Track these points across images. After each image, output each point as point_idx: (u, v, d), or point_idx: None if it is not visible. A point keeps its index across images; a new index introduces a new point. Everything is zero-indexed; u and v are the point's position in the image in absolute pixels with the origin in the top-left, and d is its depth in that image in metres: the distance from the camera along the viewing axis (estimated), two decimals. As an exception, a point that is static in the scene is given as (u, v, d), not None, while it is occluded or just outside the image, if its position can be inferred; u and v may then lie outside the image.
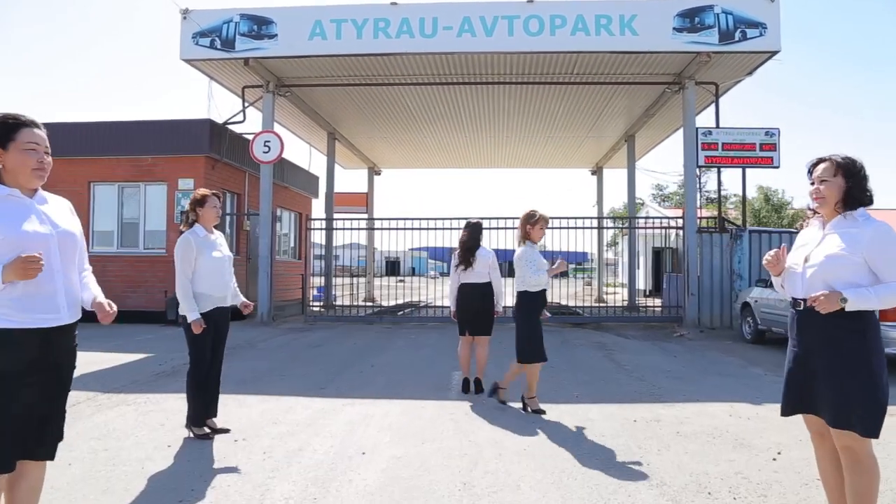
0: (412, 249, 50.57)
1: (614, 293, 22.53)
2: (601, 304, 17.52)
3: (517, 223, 5.34)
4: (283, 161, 15.51)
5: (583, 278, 28.00)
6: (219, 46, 11.39)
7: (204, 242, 4.27)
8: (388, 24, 11.10)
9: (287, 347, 9.07)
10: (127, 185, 13.02)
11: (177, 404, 5.13)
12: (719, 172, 13.98)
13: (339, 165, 20.39)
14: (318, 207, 19.49)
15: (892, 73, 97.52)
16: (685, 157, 12.19)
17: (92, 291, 2.51)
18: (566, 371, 6.99)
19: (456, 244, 6.10)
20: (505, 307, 6.16)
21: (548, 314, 5.39)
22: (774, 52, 10.94)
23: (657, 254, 23.55)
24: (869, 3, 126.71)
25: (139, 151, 12.77)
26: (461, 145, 19.04)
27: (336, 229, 15.42)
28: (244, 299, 4.58)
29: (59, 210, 2.40)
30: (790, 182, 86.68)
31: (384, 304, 18.07)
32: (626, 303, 16.96)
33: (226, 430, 4.42)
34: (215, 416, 4.47)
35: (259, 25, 11.35)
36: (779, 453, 4.00)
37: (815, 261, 2.54)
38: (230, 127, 13.23)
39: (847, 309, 2.41)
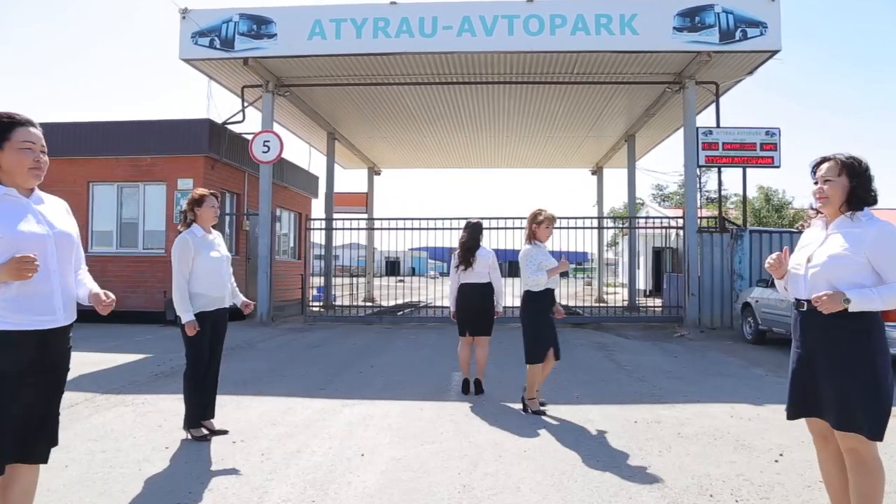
0: (412, 249, 50.54)
1: (614, 293, 22.50)
2: (601, 304, 17.49)
3: (521, 223, 5.33)
4: (282, 161, 15.48)
5: (583, 278, 27.96)
6: (218, 46, 11.36)
7: (202, 242, 4.24)
8: (388, 23, 11.08)
9: (286, 348, 9.04)
10: (126, 185, 13.00)
11: (175, 405, 5.09)
12: (720, 172, 13.96)
13: (339, 165, 20.37)
14: (317, 207, 19.50)
15: (892, 73, 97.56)
16: (685, 157, 12.17)
17: (87, 286, 2.48)
18: (566, 371, 6.96)
19: (456, 244, 6.07)
20: (505, 307, 6.13)
21: (562, 311, 5.34)
22: (775, 52, 10.91)
23: (657, 254, 23.53)
24: (869, 3, 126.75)
25: (138, 151, 12.75)
26: (461, 145, 19.01)
27: (336, 229, 15.39)
28: (244, 299, 4.55)
29: (55, 210, 2.38)
30: (790, 182, 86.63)
31: (384, 304, 18.04)
32: (626, 303, 16.94)
33: (224, 432, 4.39)
34: (213, 417, 4.44)
35: (258, 25, 11.33)
36: (781, 455, 3.97)
37: (817, 261, 2.51)
38: (229, 127, 13.21)
39: (850, 310, 2.38)
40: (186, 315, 4.11)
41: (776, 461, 3.86)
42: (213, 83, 13.06)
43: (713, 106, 12.68)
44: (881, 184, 2.56)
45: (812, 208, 2.66)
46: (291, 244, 17.90)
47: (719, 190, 14.61)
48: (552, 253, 5.33)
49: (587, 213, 25.07)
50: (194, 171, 12.60)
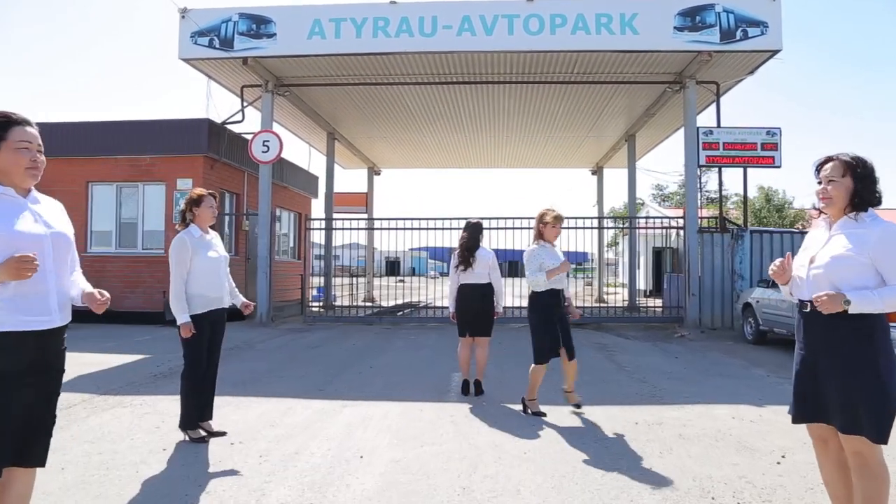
0: (412, 249, 50.50)
1: (614, 293, 22.46)
2: (601, 305, 17.45)
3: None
4: (282, 161, 15.45)
5: (583, 278, 27.92)
6: (217, 46, 11.33)
7: (199, 243, 4.21)
8: (388, 23, 11.05)
9: (286, 348, 9.01)
10: (125, 185, 12.97)
11: (173, 406, 5.05)
12: (720, 172, 13.93)
13: (339, 165, 20.34)
14: (317, 207, 19.48)
15: (892, 73, 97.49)
16: (686, 157, 12.13)
17: (80, 286, 2.46)
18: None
19: (456, 244, 6.03)
20: (505, 307, 6.10)
21: (577, 312, 5.29)
22: (776, 51, 10.88)
23: (657, 254, 23.49)
24: (869, 3, 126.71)
25: (137, 151, 12.72)
26: (461, 145, 18.98)
27: (335, 229, 15.36)
28: (244, 299, 4.52)
29: (52, 210, 2.37)
30: (790, 182, 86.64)
31: (384, 304, 18.01)
32: (626, 303, 16.90)
33: (222, 433, 4.36)
34: (211, 418, 4.41)
35: (258, 24, 11.30)
36: (783, 457, 3.94)
37: (820, 262, 2.49)
38: (229, 127, 13.18)
39: (850, 311, 2.36)
40: (182, 316, 4.07)
41: (778, 463, 3.83)
42: (213, 83, 13.03)
43: (713, 106, 12.66)
44: (882, 184, 2.53)
45: (815, 208, 2.62)
46: (291, 244, 17.87)
47: (720, 190, 14.58)
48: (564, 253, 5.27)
49: (587, 213, 25.05)
50: (193, 171, 12.58)
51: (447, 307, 6.17)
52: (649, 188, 48.73)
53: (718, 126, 12.15)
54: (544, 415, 5.00)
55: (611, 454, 4.01)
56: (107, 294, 2.45)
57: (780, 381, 6.63)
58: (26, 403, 2.19)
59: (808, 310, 2.53)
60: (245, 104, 13.09)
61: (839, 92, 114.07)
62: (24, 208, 2.23)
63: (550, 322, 4.97)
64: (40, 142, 2.29)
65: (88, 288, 2.46)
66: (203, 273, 4.19)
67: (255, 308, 11.93)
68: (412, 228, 13.34)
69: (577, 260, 22.24)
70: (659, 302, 16.55)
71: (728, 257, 11.95)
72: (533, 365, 5.03)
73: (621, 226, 27.37)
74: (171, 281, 4.13)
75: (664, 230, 16.78)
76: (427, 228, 13.18)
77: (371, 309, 16.12)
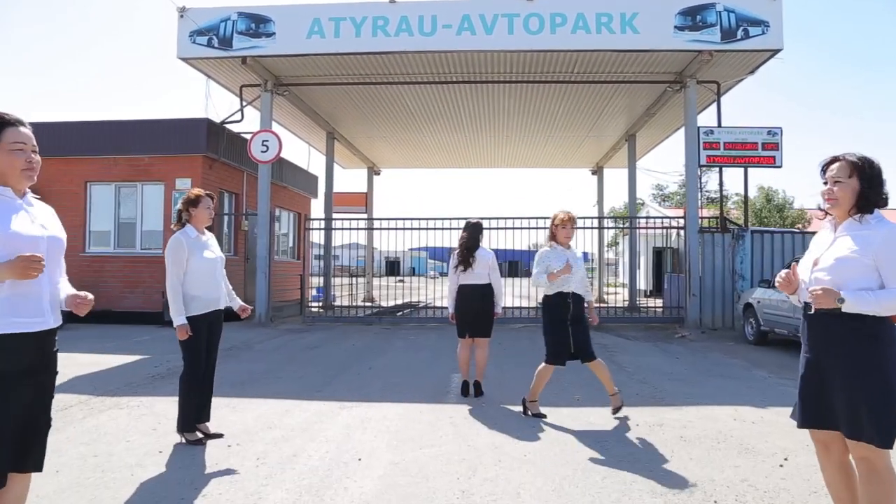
0: (412, 249, 50.47)
1: (615, 293, 22.42)
2: (602, 305, 17.40)
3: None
4: (281, 161, 15.41)
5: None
6: (216, 45, 11.29)
7: (195, 243, 4.17)
8: (387, 22, 11.01)
9: (284, 349, 8.97)
10: (124, 185, 12.92)
11: (170, 408, 5.01)
12: (721, 172, 13.89)
13: (339, 165, 20.30)
14: (317, 207, 19.44)
15: (892, 73, 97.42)
16: (687, 157, 12.09)
17: (65, 290, 2.46)
18: (567, 373, 6.85)
19: (456, 244, 5.99)
20: (504, 308, 6.05)
21: (595, 317, 5.18)
22: (777, 51, 10.84)
23: (658, 254, 23.45)
24: (869, 3, 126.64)
25: (136, 151, 12.67)
26: (461, 145, 18.94)
27: (335, 229, 15.32)
28: (241, 303, 4.47)
29: (45, 214, 2.37)
30: (790, 182, 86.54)
31: (383, 304, 17.97)
32: (626, 303, 16.86)
33: (219, 435, 4.32)
34: (208, 420, 4.37)
35: (257, 24, 11.26)
36: (785, 459, 3.90)
37: (824, 264, 2.45)
38: (228, 126, 13.14)
39: (844, 310, 2.33)
40: (179, 318, 4.03)
41: (781, 465, 3.79)
42: (212, 83, 12.99)
43: (714, 105, 12.62)
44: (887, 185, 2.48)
45: (821, 209, 2.58)
46: (290, 244, 17.83)
47: (720, 190, 14.55)
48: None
49: (587, 213, 25.02)
50: (192, 170, 12.53)
51: (447, 307, 6.12)
52: (649, 188, 48.74)
53: (719, 126, 12.11)
54: (544, 416, 4.96)
55: (612, 456, 3.97)
56: (91, 296, 2.42)
57: (782, 381, 6.59)
58: (26, 404, 2.18)
59: (813, 312, 2.50)
60: (244, 104, 13.05)
61: (839, 92, 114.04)
62: (21, 209, 2.23)
63: (558, 324, 4.90)
64: (34, 142, 2.29)
65: (72, 291, 2.45)
66: (200, 274, 4.16)
67: (254, 308, 11.94)
68: (412, 228, 13.30)
69: (577, 260, 22.17)
70: (659, 302, 16.52)
71: (729, 257, 11.91)
72: (542, 364, 4.98)
73: (621, 226, 27.33)
74: (168, 281, 4.09)
75: (665, 230, 16.75)
76: (427, 228, 13.15)
77: (370, 309, 16.08)
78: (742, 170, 12.29)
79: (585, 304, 5.06)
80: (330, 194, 17.40)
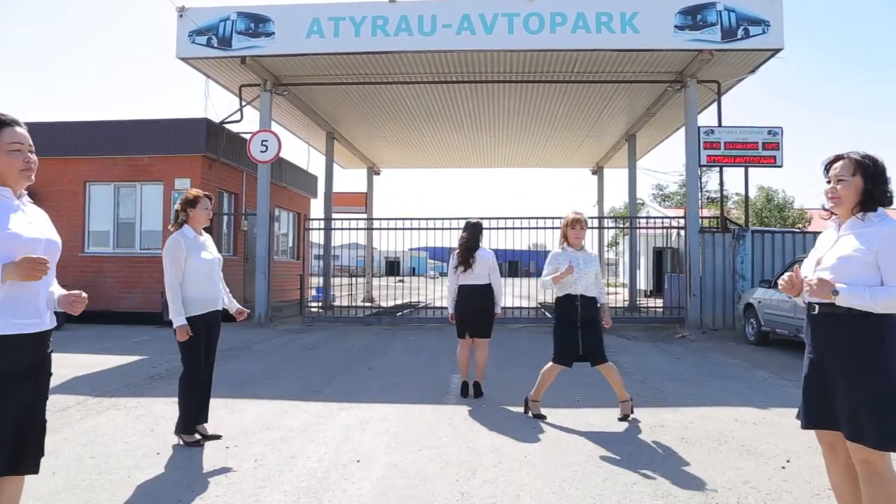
0: (412, 249, 50.43)
1: (615, 293, 22.40)
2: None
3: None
4: (281, 161, 15.39)
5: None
6: (215, 45, 11.26)
7: (193, 244, 4.14)
8: (387, 21, 10.98)
9: (283, 349, 8.94)
10: (123, 185, 12.89)
11: (168, 409, 5.00)
12: (721, 172, 13.86)
13: (338, 165, 20.28)
14: (316, 207, 19.41)
15: (892, 73, 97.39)
16: (687, 156, 12.06)
17: (56, 291, 2.44)
18: (567, 374, 6.80)
19: (455, 244, 5.96)
20: (504, 308, 6.01)
21: (609, 321, 5.11)
22: (777, 50, 10.81)
23: (658, 254, 23.42)
24: (869, 3, 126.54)
25: (135, 151, 12.64)
26: (461, 145, 18.91)
27: (334, 229, 15.29)
28: (238, 306, 4.43)
29: (41, 216, 2.37)
30: (790, 182, 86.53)
31: (383, 304, 17.95)
32: (627, 303, 16.84)
33: (217, 437, 4.29)
34: (206, 421, 4.34)
35: (256, 23, 11.23)
36: (788, 461, 3.88)
37: (827, 263, 2.43)
38: (227, 126, 13.11)
39: (837, 302, 2.31)
40: (178, 319, 4.00)
41: (783, 467, 3.76)
42: (211, 82, 12.97)
43: (714, 105, 12.60)
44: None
45: (825, 209, 2.55)
46: (290, 244, 17.80)
47: (721, 190, 14.54)
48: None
49: (587, 213, 24.90)
50: (192, 170, 12.50)
51: (446, 308, 6.09)
52: (649, 188, 48.71)
53: (719, 125, 12.08)
54: (544, 417, 4.94)
55: (612, 458, 3.95)
56: (84, 293, 2.41)
57: (783, 382, 6.56)
58: (24, 405, 2.18)
59: (816, 312, 2.47)
60: (243, 103, 13.02)
61: (839, 92, 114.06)
62: (19, 210, 2.23)
63: (566, 325, 4.87)
64: (31, 142, 2.29)
65: (63, 292, 2.44)
66: (198, 274, 4.13)
67: (253, 308, 11.91)
68: (412, 228, 13.27)
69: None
70: (660, 302, 16.50)
71: (729, 257, 11.88)
72: (549, 363, 4.96)
73: (621, 226, 27.31)
74: (167, 282, 4.06)
75: (665, 230, 16.72)
76: (427, 228, 13.12)
77: (370, 309, 16.06)
78: (742, 169, 12.26)
79: (599, 306, 4.98)
80: (329, 194, 17.37)
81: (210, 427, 4.36)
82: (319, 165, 18.00)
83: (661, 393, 5.97)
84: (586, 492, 3.36)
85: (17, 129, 2.23)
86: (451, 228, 12.38)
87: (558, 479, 3.56)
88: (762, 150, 11.86)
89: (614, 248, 37.32)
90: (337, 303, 16.65)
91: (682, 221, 12.66)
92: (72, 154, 12.63)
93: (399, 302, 18.76)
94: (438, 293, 17.52)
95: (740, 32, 10.58)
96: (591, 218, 14.81)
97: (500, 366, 7.21)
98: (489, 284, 5.69)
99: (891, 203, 2.40)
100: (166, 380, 6.32)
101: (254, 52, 11.28)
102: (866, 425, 2.28)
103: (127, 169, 12.72)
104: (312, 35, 11.11)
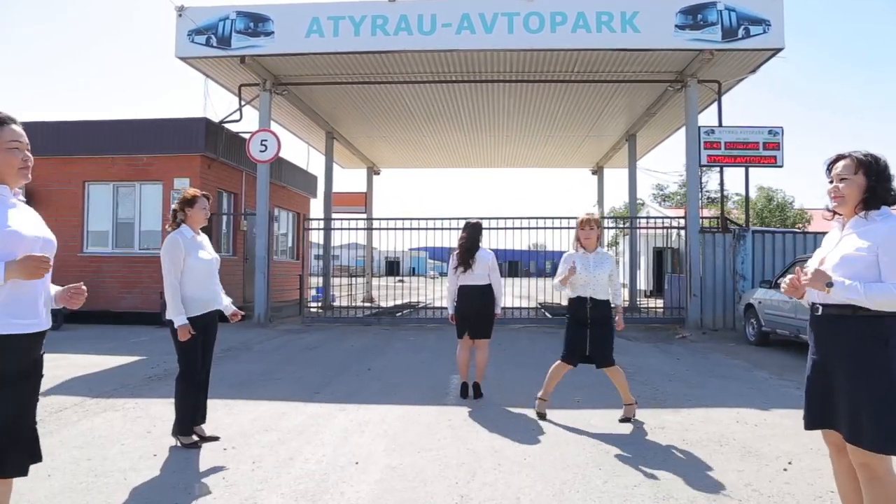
0: (412, 249, 50.39)
1: (615, 294, 22.33)
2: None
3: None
4: (280, 160, 15.36)
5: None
6: (215, 44, 11.23)
7: (191, 243, 4.11)
8: (387, 21, 10.95)
9: (283, 349, 8.91)
10: (122, 185, 12.85)
11: (165, 410, 4.97)
12: (722, 172, 13.83)
13: (338, 165, 20.25)
14: (316, 207, 19.38)
15: (892, 73, 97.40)
16: (687, 156, 12.03)
17: (52, 288, 2.43)
18: (567, 374, 6.79)
19: (455, 244, 5.93)
20: (504, 308, 5.98)
21: (621, 323, 5.05)
22: (778, 50, 10.77)
23: (658, 254, 23.39)
24: (869, 3, 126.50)
25: (134, 150, 12.61)
26: (461, 145, 18.88)
27: (334, 229, 15.26)
28: (234, 308, 4.39)
29: (36, 216, 2.35)
30: (789, 182, 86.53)
31: (383, 304, 17.92)
32: (626, 303, 16.81)
33: (215, 438, 4.26)
34: (203, 422, 4.31)
35: (255, 23, 11.20)
36: (790, 463, 3.84)
37: (830, 263, 2.41)
38: (227, 126, 13.08)
39: (831, 294, 2.30)
40: (180, 318, 3.97)
41: (785, 470, 3.73)
42: (210, 82, 12.96)
43: (715, 105, 12.56)
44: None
45: (828, 209, 2.52)
46: (290, 244, 17.77)
47: (721, 190, 14.47)
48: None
49: (579, 213, 24.82)
50: (191, 170, 12.46)
51: (446, 307, 6.06)
52: (650, 188, 48.67)
53: (720, 125, 12.05)
54: (544, 416, 4.91)
55: (612, 460, 3.92)
56: (84, 286, 2.39)
57: (784, 383, 6.53)
58: (17, 405, 2.16)
59: (820, 313, 2.45)
60: (243, 103, 12.99)
61: (839, 92, 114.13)
62: (17, 208, 2.23)
63: (574, 326, 4.88)
64: (27, 140, 2.28)
65: (59, 288, 2.42)
66: (197, 274, 4.09)
67: (253, 308, 11.88)
68: (412, 228, 13.24)
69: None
70: (660, 302, 16.46)
71: (730, 257, 11.85)
72: (557, 360, 4.97)
73: (622, 226, 27.28)
74: (166, 281, 4.02)
75: (665, 230, 16.69)
76: (427, 228, 13.09)
77: (370, 309, 16.03)
78: (743, 169, 12.22)
79: (613, 307, 4.94)
80: (329, 194, 17.34)
81: (208, 428, 4.33)
82: (319, 165, 18.04)
83: (661, 394, 5.94)
84: (587, 494, 3.33)
85: (15, 126, 2.23)
86: (451, 228, 12.36)
87: (558, 481, 3.53)
88: (763, 150, 11.83)
89: (614, 248, 37.27)
90: (336, 303, 16.62)
91: (682, 221, 12.63)
92: (71, 154, 12.60)
93: (399, 302, 18.72)
94: (438, 293, 17.50)
95: (741, 32, 10.55)
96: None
97: (500, 366, 7.18)
98: (489, 285, 5.66)
99: (895, 201, 2.37)
100: (164, 381, 6.29)
101: (253, 51, 11.25)
102: (866, 426, 2.26)
103: (126, 169, 12.68)
104: (312, 34, 11.08)
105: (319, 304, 15.28)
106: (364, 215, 18.82)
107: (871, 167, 2.37)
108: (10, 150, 2.18)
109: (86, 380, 6.41)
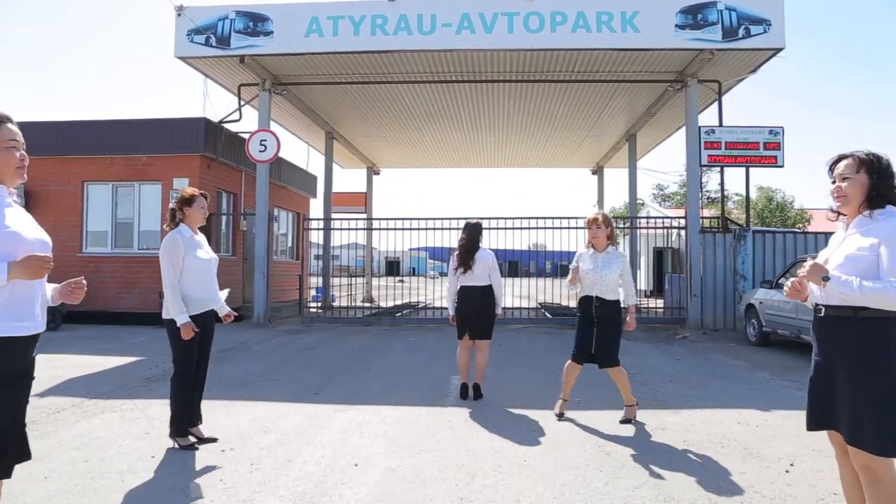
0: (412, 249, 50.36)
1: (615, 294, 22.30)
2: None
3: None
4: (280, 160, 15.34)
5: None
6: (214, 44, 11.20)
7: (190, 243, 4.09)
8: (386, 20, 10.92)
9: (282, 350, 8.88)
10: (121, 185, 12.82)
11: (164, 411, 4.91)
12: (722, 172, 13.80)
13: (338, 165, 20.23)
14: (316, 207, 19.35)
15: (892, 73, 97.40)
16: (688, 156, 12.01)
17: (48, 288, 2.40)
18: (567, 375, 6.80)
19: (455, 244, 5.90)
20: (504, 308, 5.96)
21: (632, 324, 4.98)
22: (778, 49, 10.75)
23: (659, 254, 23.35)
24: (869, 3, 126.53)
25: (134, 150, 12.57)
26: (461, 145, 18.86)
27: (333, 229, 15.23)
28: (228, 309, 4.36)
29: (30, 217, 2.34)
30: (789, 183, 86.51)
31: (383, 304, 17.89)
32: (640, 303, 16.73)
33: (213, 440, 4.24)
34: (200, 422, 4.28)
35: (255, 22, 11.17)
36: (791, 464, 3.82)
37: (834, 263, 2.39)
38: (226, 126, 13.05)
39: (827, 289, 2.29)
40: (181, 316, 3.93)
41: (787, 471, 3.70)
42: (210, 82, 12.93)
43: (715, 105, 12.53)
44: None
45: (832, 210, 2.50)
46: (289, 244, 17.74)
47: (722, 190, 14.43)
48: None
49: (588, 213, 24.85)
50: (190, 170, 12.43)
51: (446, 308, 6.04)
52: (650, 188, 48.68)
53: (720, 125, 12.02)
54: (562, 416, 4.94)
55: (613, 461, 3.89)
56: (83, 280, 2.38)
57: (785, 384, 6.51)
58: (9, 406, 2.15)
59: (823, 314, 2.43)
60: (242, 103, 12.97)
61: (839, 92, 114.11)
62: (13, 209, 2.22)
63: (582, 326, 4.90)
64: (23, 139, 2.28)
65: (56, 286, 2.41)
66: (195, 273, 4.07)
67: (252, 309, 11.86)
68: (412, 228, 13.21)
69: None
70: (660, 303, 16.43)
71: (730, 258, 11.83)
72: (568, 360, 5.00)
73: (622, 226, 27.25)
74: (166, 280, 3.99)
75: (665, 230, 16.66)
76: (427, 228, 13.06)
77: (369, 309, 16.00)
78: (743, 169, 12.20)
79: (624, 307, 4.90)
80: (329, 194, 17.32)
81: (206, 429, 4.31)
82: (319, 165, 18.02)
83: (662, 395, 5.91)
84: (587, 496, 3.31)
85: (11, 125, 2.22)
86: (451, 228, 12.34)
87: (559, 483, 3.51)
88: (763, 150, 11.81)
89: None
90: (336, 303, 16.59)
91: (682, 221, 12.61)
92: (70, 154, 12.57)
93: (399, 302, 18.70)
94: (438, 293, 17.48)
95: (741, 32, 10.53)
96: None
97: (500, 367, 7.15)
98: (489, 285, 5.63)
99: None
100: (163, 381, 6.26)
101: (253, 51, 11.23)
102: (867, 427, 2.24)
103: (125, 168, 12.65)
104: (311, 34, 11.06)
105: (319, 305, 15.25)
106: (364, 215, 18.79)
107: (873, 166, 2.36)
108: (8, 149, 2.17)
109: (84, 380, 6.39)
